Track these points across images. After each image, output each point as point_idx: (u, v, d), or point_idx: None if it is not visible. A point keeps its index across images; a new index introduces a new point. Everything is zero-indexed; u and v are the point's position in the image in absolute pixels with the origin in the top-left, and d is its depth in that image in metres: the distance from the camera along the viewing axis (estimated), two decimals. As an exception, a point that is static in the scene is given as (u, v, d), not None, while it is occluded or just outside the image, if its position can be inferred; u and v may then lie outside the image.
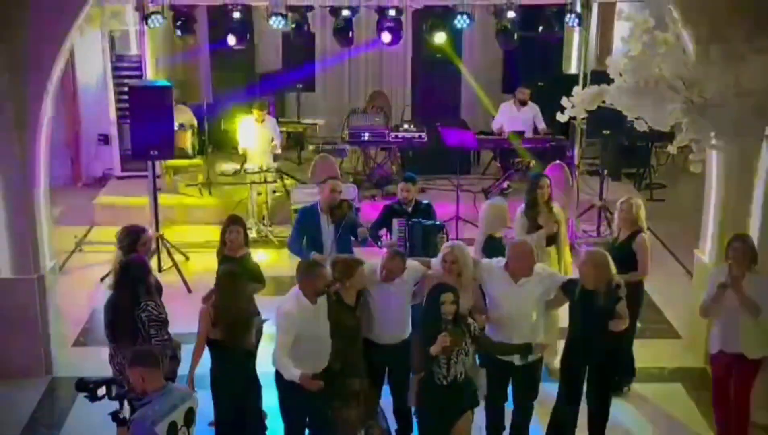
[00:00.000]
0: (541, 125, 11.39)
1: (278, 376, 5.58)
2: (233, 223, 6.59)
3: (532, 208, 7.12)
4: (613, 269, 5.80)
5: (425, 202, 7.63)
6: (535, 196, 7.10)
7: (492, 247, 6.57)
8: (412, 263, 6.04)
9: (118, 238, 6.32)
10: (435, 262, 6.10)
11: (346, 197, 7.33)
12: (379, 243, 7.30)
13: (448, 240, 6.98)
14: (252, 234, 10.19)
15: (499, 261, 5.95)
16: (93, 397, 4.62)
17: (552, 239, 7.06)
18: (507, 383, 5.98)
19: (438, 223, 7.21)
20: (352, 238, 7.09)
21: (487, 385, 5.82)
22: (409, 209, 7.36)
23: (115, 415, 4.56)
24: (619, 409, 6.05)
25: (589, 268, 5.71)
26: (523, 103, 11.41)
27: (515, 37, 10.37)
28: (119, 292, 5.80)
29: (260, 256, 8.95)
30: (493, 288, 5.89)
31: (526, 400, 6.02)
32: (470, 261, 5.93)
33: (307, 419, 5.74)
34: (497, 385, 5.86)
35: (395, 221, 7.26)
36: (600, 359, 5.85)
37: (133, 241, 6.21)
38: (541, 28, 10.48)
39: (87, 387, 4.60)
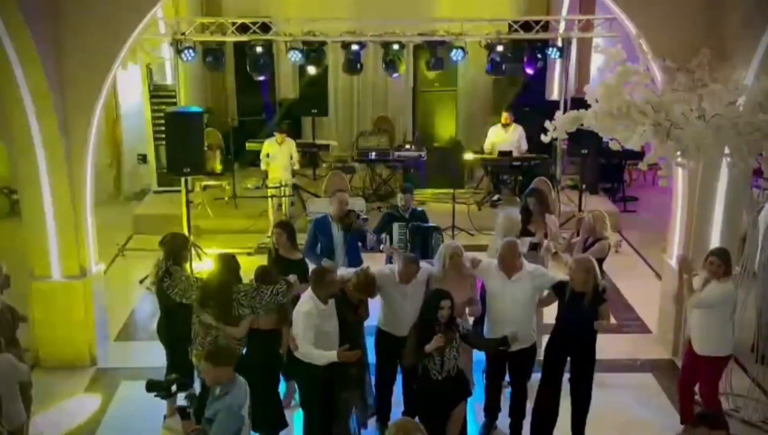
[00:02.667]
0: (524, 146, 11.39)
1: (298, 372, 5.58)
2: (276, 226, 6.67)
3: (523, 218, 7.16)
4: (599, 274, 5.81)
5: (420, 208, 7.68)
6: (527, 208, 7.13)
7: None
8: (424, 264, 6.08)
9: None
10: (435, 261, 6.13)
11: (353, 208, 7.36)
12: (382, 247, 7.34)
13: (443, 240, 7.02)
14: (271, 242, 10.23)
15: (494, 261, 5.98)
16: (167, 395, 4.71)
17: (536, 245, 7.05)
18: (503, 366, 6.03)
19: (434, 225, 7.25)
20: (360, 244, 7.12)
21: (486, 368, 5.98)
22: (407, 215, 7.41)
23: (183, 410, 4.58)
24: (595, 397, 6.02)
25: (579, 273, 5.72)
26: (507, 126, 11.43)
27: (504, 67, 10.39)
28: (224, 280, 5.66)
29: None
30: (490, 284, 5.93)
31: (519, 381, 6.04)
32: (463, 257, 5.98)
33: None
34: (494, 368, 5.95)
35: (395, 225, 7.30)
36: (583, 354, 5.85)
37: (179, 247, 6.12)
38: (526, 60, 10.51)
39: (160, 386, 4.68)
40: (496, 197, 11.36)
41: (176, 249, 6.07)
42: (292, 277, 5.92)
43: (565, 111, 8.38)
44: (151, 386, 4.71)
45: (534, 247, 6.97)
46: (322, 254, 6.94)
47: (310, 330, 5.40)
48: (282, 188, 10.23)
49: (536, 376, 6.08)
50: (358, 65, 10.52)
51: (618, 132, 6.43)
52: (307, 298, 5.53)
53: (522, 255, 5.98)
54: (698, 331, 5.95)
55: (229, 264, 5.73)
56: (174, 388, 4.71)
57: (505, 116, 11.43)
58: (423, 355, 5.26)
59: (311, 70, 11.11)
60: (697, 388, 6.10)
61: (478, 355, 6.23)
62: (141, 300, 8.91)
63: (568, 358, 5.91)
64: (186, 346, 5.83)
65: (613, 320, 7.50)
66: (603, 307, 5.74)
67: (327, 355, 5.33)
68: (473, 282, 5.99)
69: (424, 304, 5.43)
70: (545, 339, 6.10)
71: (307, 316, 5.44)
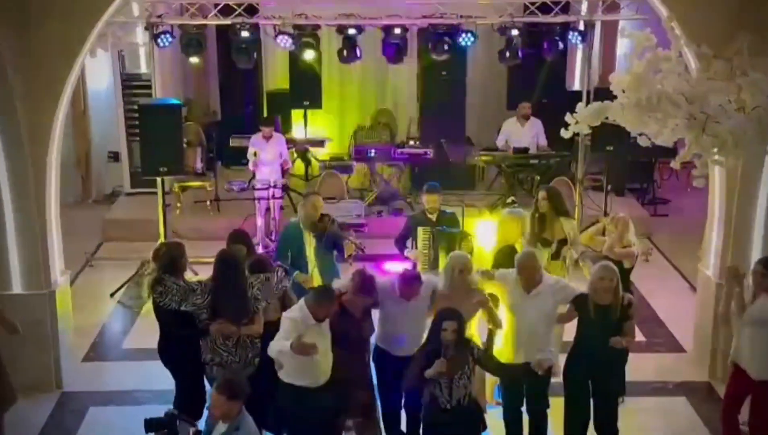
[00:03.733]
0: (543, 142, 11.41)
1: (282, 391, 5.60)
2: (230, 238, 6.61)
3: (538, 222, 7.16)
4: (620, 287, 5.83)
5: (449, 211, 7.69)
6: (540, 210, 7.14)
7: (506, 256, 6.56)
8: (428, 278, 6.08)
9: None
10: (441, 274, 6.15)
11: (329, 212, 7.38)
12: (406, 252, 7.38)
13: (474, 247, 7.03)
14: (258, 249, 10.25)
15: (513, 272, 6.00)
16: (173, 432, 4.69)
17: (557, 254, 7.06)
18: (520, 388, 6.03)
19: (462, 230, 7.27)
20: (336, 253, 7.14)
21: (502, 391, 6.01)
22: (434, 218, 7.43)
23: None
24: (623, 423, 6.02)
25: (605, 283, 5.72)
26: (526, 118, 11.44)
27: (519, 54, 10.42)
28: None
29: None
30: (507, 298, 5.96)
31: (537, 405, 6.05)
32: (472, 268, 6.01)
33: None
34: (510, 390, 5.97)
35: (419, 230, 7.34)
36: (608, 375, 5.86)
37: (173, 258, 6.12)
38: (545, 46, 10.53)
39: (161, 425, 4.66)
40: (510, 200, 11.35)
41: (173, 259, 6.06)
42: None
43: (587, 103, 8.41)
44: (151, 426, 4.66)
45: (556, 254, 6.98)
46: (293, 266, 6.96)
47: (291, 332, 5.41)
48: (270, 190, 10.24)
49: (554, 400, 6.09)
50: (356, 52, 10.53)
51: (647, 126, 6.44)
52: (298, 309, 5.56)
53: (541, 266, 5.99)
54: (753, 353, 5.89)
55: (233, 259, 5.90)
56: (178, 425, 4.70)
57: (525, 107, 11.41)
58: (424, 380, 5.25)
59: (303, 57, 11.12)
60: (743, 417, 6.09)
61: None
62: (112, 315, 8.92)
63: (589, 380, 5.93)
64: (195, 367, 5.90)
65: (641, 337, 7.52)
66: (628, 325, 5.77)
67: (282, 344, 5.29)
68: (483, 299, 5.97)
69: (431, 327, 5.44)
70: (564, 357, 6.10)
71: (292, 322, 5.48)
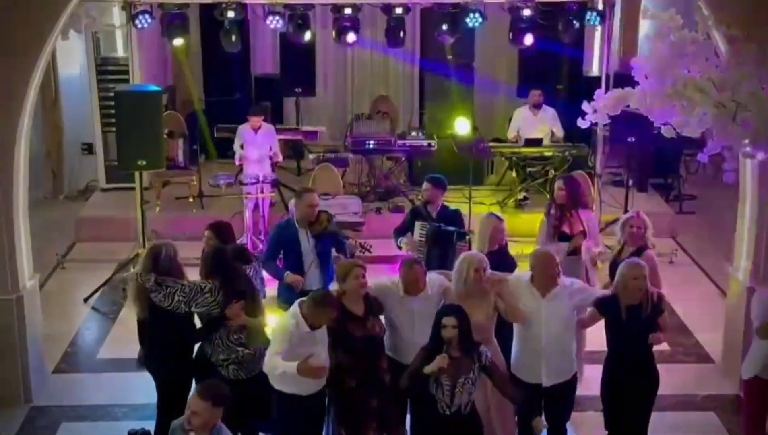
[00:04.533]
0: (559, 132, 11.42)
1: (281, 400, 5.62)
2: (208, 228, 6.75)
3: (555, 214, 7.17)
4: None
5: (452, 208, 7.71)
6: (557, 202, 7.18)
7: (494, 258, 6.58)
8: (436, 276, 6.08)
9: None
10: (453, 274, 6.14)
11: (324, 208, 7.39)
12: (399, 241, 7.44)
13: (470, 249, 7.05)
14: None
15: (526, 275, 6.01)
16: None
17: (575, 249, 7.09)
18: (539, 404, 6.01)
19: (461, 230, 7.28)
20: (335, 253, 7.15)
21: (517, 414, 5.98)
22: (434, 214, 7.44)
23: None
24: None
25: (635, 282, 5.76)
26: (538, 107, 11.45)
27: (531, 36, 10.41)
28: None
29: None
30: (522, 304, 5.94)
31: (557, 422, 6.05)
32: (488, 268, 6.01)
33: None
34: (528, 406, 5.93)
35: (417, 224, 7.38)
36: (646, 380, 5.90)
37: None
38: (560, 27, 10.53)
39: None
40: (522, 196, 11.37)
41: (171, 260, 6.09)
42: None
43: (607, 90, 8.41)
44: None
45: (573, 251, 6.99)
46: (287, 268, 6.96)
47: (282, 343, 5.44)
48: (259, 185, 10.24)
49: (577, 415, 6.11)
50: (354, 33, 10.52)
51: (672, 115, 6.44)
52: (291, 315, 5.57)
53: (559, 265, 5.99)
54: None
55: (226, 252, 6.09)
56: None
57: (537, 94, 11.43)
58: (425, 378, 5.25)
59: (295, 39, 11.12)
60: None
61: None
62: (86, 322, 8.92)
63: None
64: (188, 376, 5.97)
65: (665, 347, 7.50)
66: (662, 319, 5.87)
67: (288, 365, 5.33)
68: (495, 302, 5.98)
69: (433, 322, 5.45)
70: (589, 370, 6.10)
71: (281, 331, 5.50)
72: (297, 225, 7.11)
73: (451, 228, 7.32)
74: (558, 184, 7.41)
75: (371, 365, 5.72)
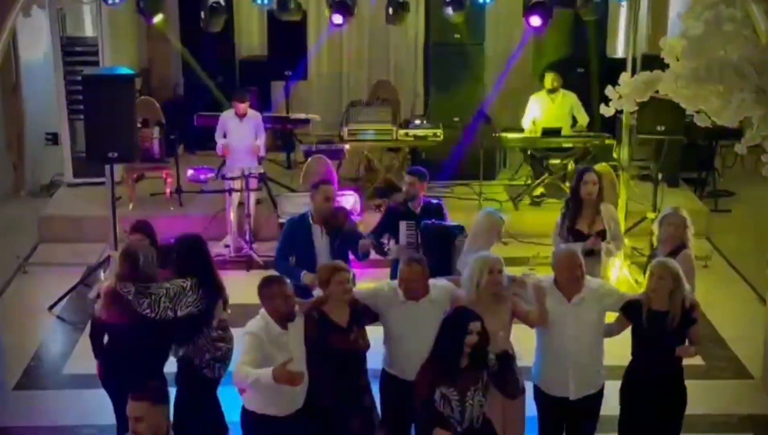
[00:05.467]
0: (583, 117, 11.40)
1: (251, 424, 5.63)
2: (134, 229, 6.75)
3: (573, 207, 7.15)
4: (687, 285, 5.86)
5: (435, 201, 7.72)
6: (578, 194, 7.13)
7: None
8: (443, 282, 6.07)
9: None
10: (464, 278, 6.11)
11: (343, 205, 7.39)
12: (387, 249, 7.40)
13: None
14: (231, 252, 10.24)
15: (549, 278, 6.02)
16: None
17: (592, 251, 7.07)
18: (561, 420, 6.03)
19: (456, 224, 7.25)
20: (352, 254, 7.14)
21: (539, 424, 5.98)
22: (417, 210, 7.43)
23: None
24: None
25: (662, 283, 5.74)
26: (556, 92, 11.44)
27: (550, 13, 10.39)
28: None
29: (241, 280, 8.95)
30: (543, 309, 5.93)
31: None
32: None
33: None
34: (550, 422, 5.97)
35: (402, 224, 7.36)
36: (670, 399, 5.89)
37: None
38: (580, 3, 10.51)
39: None
40: (539, 192, 11.36)
41: (146, 266, 6.11)
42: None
43: (633, 73, 8.40)
44: None
45: (590, 252, 6.98)
46: (300, 267, 6.93)
47: (252, 352, 5.42)
48: (244, 179, 10.23)
49: None
50: (351, 10, 10.51)
51: (707, 101, 6.44)
52: (258, 317, 5.59)
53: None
54: None
55: (199, 242, 6.36)
56: None
57: (550, 79, 11.43)
58: (432, 393, 5.23)
59: (284, 17, 11.10)
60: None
61: (532, 408, 6.20)
62: (50, 334, 8.90)
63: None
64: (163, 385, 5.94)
65: (699, 360, 7.49)
66: (693, 330, 5.82)
67: (260, 373, 5.30)
68: (511, 309, 5.97)
69: (444, 326, 5.40)
70: (608, 386, 6.09)
71: (252, 338, 5.48)
72: (311, 220, 7.11)
73: (447, 222, 7.28)
74: (589, 176, 7.27)
75: (351, 382, 5.71)
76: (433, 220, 7.25)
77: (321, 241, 7.05)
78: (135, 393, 4.74)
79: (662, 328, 5.77)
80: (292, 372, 5.27)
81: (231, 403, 6.09)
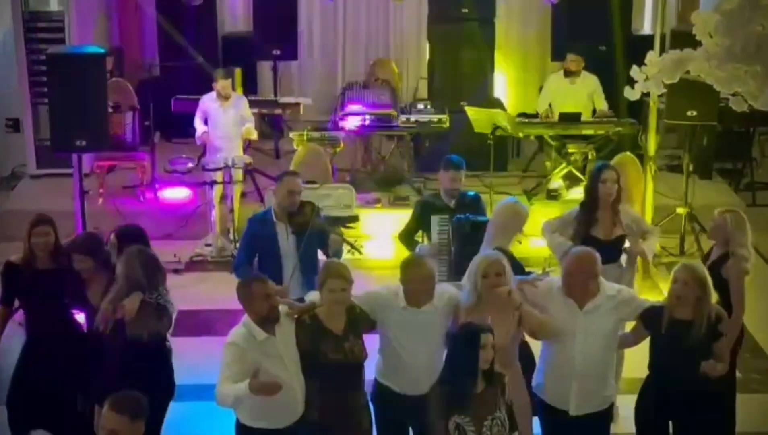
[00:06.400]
0: (602, 104, 11.41)
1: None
2: (39, 222, 6.82)
3: (588, 210, 7.13)
4: (713, 294, 5.86)
5: (471, 193, 7.75)
6: (595, 195, 7.11)
7: None
8: (447, 287, 6.07)
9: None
10: (464, 280, 6.09)
11: (308, 199, 7.34)
12: (418, 249, 7.43)
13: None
14: (213, 252, 10.26)
15: (557, 280, 6.00)
16: None
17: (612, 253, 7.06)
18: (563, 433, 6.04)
19: (490, 218, 7.25)
20: (322, 253, 7.15)
21: None
22: (452, 203, 7.47)
23: None
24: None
25: (686, 289, 5.74)
26: (575, 74, 11.44)
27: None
28: None
29: (225, 283, 8.98)
30: (553, 318, 5.92)
31: None
32: (512, 274, 5.96)
33: None
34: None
35: (434, 219, 7.38)
36: (691, 414, 5.88)
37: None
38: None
39: None
40: (555, 184, 11.37)
41: (155, 269, 6.25)
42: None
43: (662, 51, 8.41)
44: None
45: (612, 256, 6.97)
46: (262, 272, 6.92)
47: (233, 365, 5.43)
48: (227, 170, 10.24)
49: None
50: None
51: (744, 83, 6.45)
52: (240, 325, 5.60)
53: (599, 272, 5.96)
54: None
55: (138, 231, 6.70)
56: None
57: (574, 60, 11.43)
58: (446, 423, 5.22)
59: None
60: None
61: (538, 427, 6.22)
62: (11, 344, 8.88)
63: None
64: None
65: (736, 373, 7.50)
66: (718, 345, 5.78)
67: (238, 389, 5.33)
68: (519, 316, 5.93)
69: (454, 345, 5.40)
70: (624, 399, 6.12)
71: (233, 349, 5.48)
72: (275, 218, 7.11)
73: (482, 217, 7.30)
74: (609, 174, 7.13)
75: (346, 397, 5.71)
76: (467, 215, 7.27)
77: (287, 241, 7.04)
78: (117, 404, 4.76)
79: (685, 339, 5.76)
80: (265, 382, 5.28)
81: (224, 416, 6.09)
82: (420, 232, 7.77)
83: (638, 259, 7.33)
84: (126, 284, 6.14)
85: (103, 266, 6.54)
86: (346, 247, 7.26)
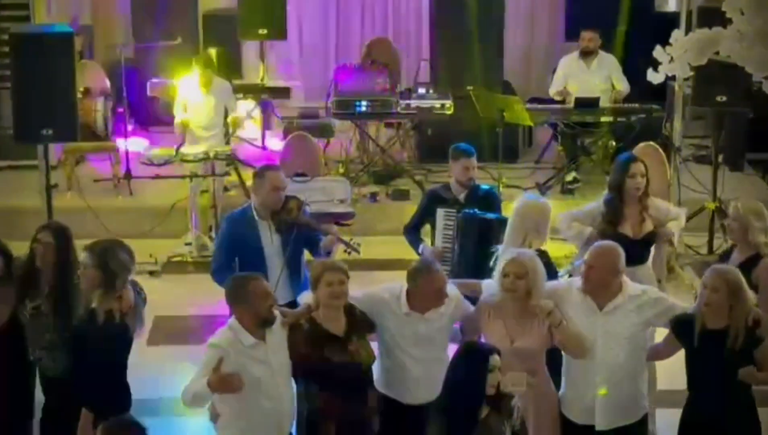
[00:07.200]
0: (622, 86, 11.41)
1: None
2: (44, 229, 6.84)
3: (614, 207, 7.12)
4: (752, 298, 5.84)
5: (485, 187, 7.77)
6: (621, 190, 7.11)
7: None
8: (451, 292, 6.05)
9: None
10: (488, 284, 6.13)
11: (294, 194, 7.34)
12: (419, 250, 7.45)
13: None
14: (193, 252, 10.26)
15: (577, 280, 5.99)
16: None
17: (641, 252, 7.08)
18: None
19: (502, 217, 7.28)
20: (307, 252, 7.16)
21: None
22: (462, 196, 7.49)
23: None
24: None
25: (716, 297, 5.74)
26: (591, 54, 11.44)
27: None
28: None
29: (206, 286, 9.00)
30: (572, 321, 5.90)
31: None
32: (543, 277, 5.93)
33: None
34: None
35: (440, 212, 7.40)
36: (733, 431, 5.89)
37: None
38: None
39: None
40: (571, 177, 11.37)
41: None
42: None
43: (688, 30, 8.43)
44: None
45: (641, 256, 6.97)
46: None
47: (208, 367, 5.43)
48: (209, 163, 10.24)
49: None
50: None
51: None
52: (226, 328, 5.60)
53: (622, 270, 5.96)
54: None
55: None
56: None
57: (590, 38, 11.44)
58: None
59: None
60: None
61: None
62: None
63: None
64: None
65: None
66: (760, 350, 5.74)
67: (198, 384, 5.37)
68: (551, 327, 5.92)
69: (456, 366, 5.36)
70: (663, 414, 6.11)
71: (213, 352, 5.48)
72: (257, 216, 7.10)
73: (490, 214, 7.31)
74: (637, 167, 7.07)
75: (354, 402, 5.72)
76: (474, 211, 7.28)
77: (271, 241, 7.03)
78: (114, 431, 4.82)
79: (720, 351, 5.73)
80: (224, 376, 5.32)
81: (206, 432, 6.12)
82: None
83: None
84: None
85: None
86: (341, 247, 7.24)
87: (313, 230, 7.16)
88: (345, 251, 7.17)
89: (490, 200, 7.62)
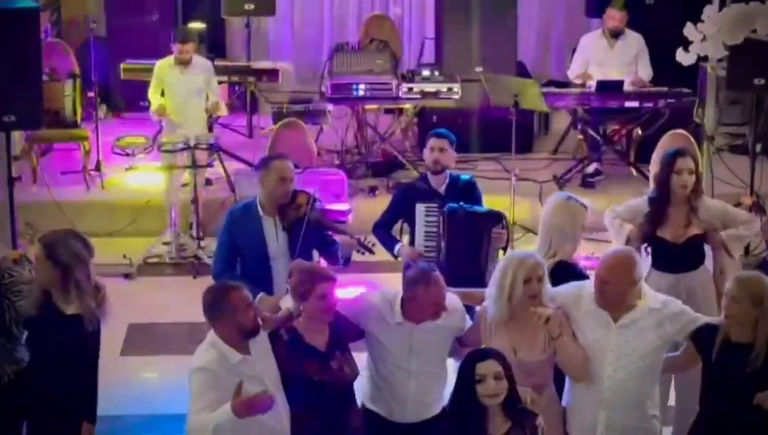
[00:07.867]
0: (646, 70, 11.40)
1: None
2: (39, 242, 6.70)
3: (657, 207, 7.08)
4: None
5: (465, 176, 7.71)
6: (668, 187, 7.06)
7: (562, 275, 6.53)
8: (454, 303, 6.05)
9: None
10: (491, 286, 6.09)
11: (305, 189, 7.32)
12: (396, 249, 7.40)
13: (510, 238, 7.05)
14: (171, 252, 10.25)
15: (589, 287, 5.92)
16: None
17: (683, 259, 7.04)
18: None
19: (493, 210, 7.27)
20: (317, 253, 7.12)
21: None
22: (442, 188, 7.44)
23: None
24: None
25: (737, 307, 5.72)
26: (617, 34, 11.43)
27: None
28: None
29: (186, 290, 9.00)
30: (581, 332, 5.89)
31: None
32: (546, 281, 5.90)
33: None
34: None
35: (420, 207, 7.34)
36: None
37: None
38: None
39: None
40: (591, 168, 11.37)
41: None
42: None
43: (722, 6, 8.41)
44: None
45: (683, 263, 6.93)
46: (247, 279, 6.86)
47: (207, 393, 5.42)
48: (190, 152, 10.23)
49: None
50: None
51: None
52: (206, 346, 5.58)
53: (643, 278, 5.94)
54: None
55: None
56: None
57: (616, 16, 11.40)
58: None
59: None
60: None
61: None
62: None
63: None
64: None
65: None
66: None
67: (221, 411, 5.31)
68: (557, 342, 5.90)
69: (457, 380, 5.35)
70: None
71: (203, 376, 5.48)
72: (261, 211, 7.08)
73: (479, 208, 7.28)
74: (684, 162, 6.90)
75: (334, 420, 5.74)
76: (461, 205, 7.24)
77: (276, 240, 6.99)
78: None
79: (739, 366, 5.71)
80: (253, 397, 5.28)
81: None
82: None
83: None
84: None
85: None
86: (356, 250, 7.17)
87: (325, 228, 7.13)
88: (359, 252, 7.14)
89: (471, 192, 7.53)
